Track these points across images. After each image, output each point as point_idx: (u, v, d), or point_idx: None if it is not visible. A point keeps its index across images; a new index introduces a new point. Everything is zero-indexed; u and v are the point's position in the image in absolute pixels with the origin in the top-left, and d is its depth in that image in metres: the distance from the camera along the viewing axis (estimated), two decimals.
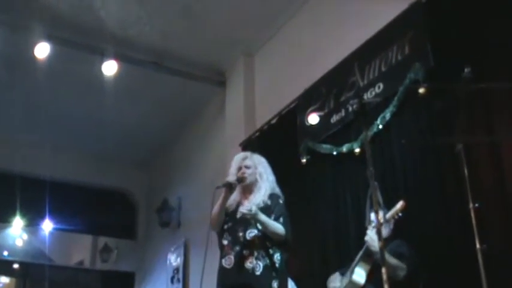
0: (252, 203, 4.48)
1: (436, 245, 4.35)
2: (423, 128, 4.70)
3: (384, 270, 3.07)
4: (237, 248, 4.39)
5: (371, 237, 4.16)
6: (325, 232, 5.67)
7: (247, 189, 4.68)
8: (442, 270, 4.22)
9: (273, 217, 4.46)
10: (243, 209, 4.37)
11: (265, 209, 4.48)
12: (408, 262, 4.10)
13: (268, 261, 4.34)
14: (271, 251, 4.39)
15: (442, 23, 4.64)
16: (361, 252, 4.35)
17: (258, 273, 4.28)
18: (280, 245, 4.45)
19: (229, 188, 4.59)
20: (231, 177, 4.65)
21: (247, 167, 4.69)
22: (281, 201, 4.63)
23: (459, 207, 4.01)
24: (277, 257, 4.41)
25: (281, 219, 4.48)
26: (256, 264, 4.30)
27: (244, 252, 4.36)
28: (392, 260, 4.01)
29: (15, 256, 11.07)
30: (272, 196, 4.61)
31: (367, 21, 5.65)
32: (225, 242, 4.49)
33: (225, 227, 4.57)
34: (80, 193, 10.52)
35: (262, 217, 4.33)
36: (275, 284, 4.30)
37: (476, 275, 3.24)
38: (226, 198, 4.59)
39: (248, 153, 4.94)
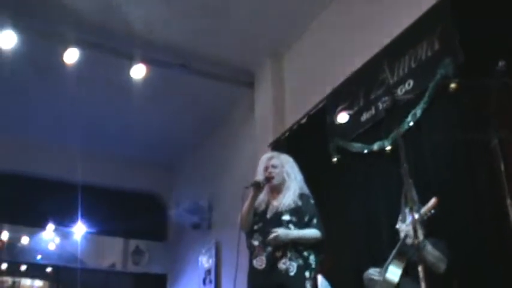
0: (282, 204, 4.49)
1: (470, 243, 4.29)
2: (455, 124, 4.64)
3: (420, 268, 3.03)
4: (269, 248, 4.38)
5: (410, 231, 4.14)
6: (357, 230, 5.64)
7: (276, 188, 4.67)
8: (476, 267, 4.17)
9: (306, 218, 4.47)
10: (272, 236, 4.33)
11: (296, 210, 4.48)
12: (448, 256, 4.06)
13: (301, 261, 4.34)
14: (305, 253, 4.38)
15: (471, 16, 4.58)
16: (394, 251, 4.31)
17: (291, 273, 4.27)
18: (315, 246, 4.45)
19: (257, 187, 4.60)
20: (259, 177, 4.65)
21: (274, 167, 4.69)
22: (312, 201, 4.63)
23: (493, 203, 3.96)
24: (312, 258, 4.40)
25: (314, 221, 4.49)
26: (289, 265, 4.29)
27: (277, 253, 4.35)
28: (434, 252, 3.98)
29: (47, 260, 11.14)
30: (302, 196, 4.60)
31: (395, 18, 5.61)
32: (256, 243, 4.48)
33: (255, 227, 4.56)
34: (110, 196, 10.61)
35: (293, 234, 4.36)
36: (308, 285, 4.30)
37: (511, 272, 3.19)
38: (254, 198, 4.59)
39: (275, 153, 4.95)
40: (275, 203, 4.59)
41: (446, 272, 4.04)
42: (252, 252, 4.50)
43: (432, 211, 4.12)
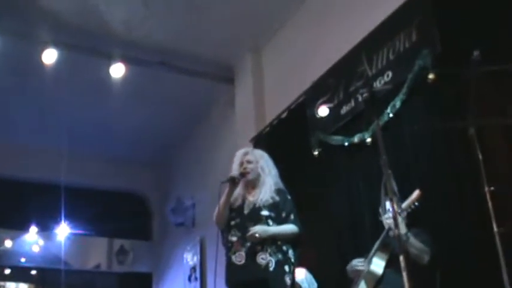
0: (260, 199, 4.51)
1: (452, 231, 4.32)
2: (434, 114, 4.67)
3: (401, 258, 3.05)
4: (248, 244, 4.40)
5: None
6: (340, 223, 5.66)
7: (251, 183, 4.69)
8: (458, 257, 4.20)
9: (284, 214, 4.50)
10: (251, 233, 4.35)
11: (274, 206, 4.52)
12: (431, 247, 4.09)
13: (281, 256, 4.37)
14: (284, 248, 4.41)
15: (448, 7, 4.60)
16: (377, 243, 4.33)
17: (271, 268, 4.30)
18: (293, 241, 4.48)
19: (233, 182, 4.61)
20: (234, 172, 4.67)
21: (249, 162, 4.71)
22: (289, 197, 4.66)
23: (473, 192, 3.98)
24: (291, 252, 4.44)
25: (291, 217, 4.53)
26: (269, 260, 4.31)
27: (256, 248, 4.37)
28: (417, 244, 4.01)
29: (32, 262, 11.14)
30: (279, 192, 4.64)
31: (372, 10, 5.63)
32: (234, 239, 4.48)
33: (232, 223, 4.57)
34: (94, 197, 10.58)
35: (271, 230, 4.38)
36: (288, 279, 4.33)
37: (494, 259, 3.22)
38: (230, 193, 4.61)
39: (249, 149, 4.99)
40: (251, 198, 4.61)
41: (429, 263, 4.08)
42: (230, 248, 4.50)
43: (416, 203, 4.15)
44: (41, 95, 8.39)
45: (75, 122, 9.25)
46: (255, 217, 4.46)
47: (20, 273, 11.16)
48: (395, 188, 3.72)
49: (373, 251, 4.36)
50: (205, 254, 9.03)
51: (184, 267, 9.59)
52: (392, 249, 4.17)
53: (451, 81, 4.28)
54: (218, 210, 4.59)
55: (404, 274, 2.98)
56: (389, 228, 4.19)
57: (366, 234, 5.15)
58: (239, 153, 4.85)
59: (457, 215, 4.31)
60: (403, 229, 3.97)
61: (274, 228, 4.41)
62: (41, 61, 7.10)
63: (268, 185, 4.61)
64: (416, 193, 4.15)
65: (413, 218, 4.28)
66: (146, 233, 11.41)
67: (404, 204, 4.13)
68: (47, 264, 11.25)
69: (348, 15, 6.14)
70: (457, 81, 4.11)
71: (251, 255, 4.36)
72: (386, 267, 4.22)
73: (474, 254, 4.08)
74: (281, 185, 4.73)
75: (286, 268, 4.35)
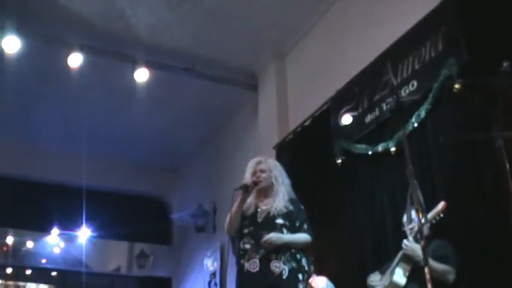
0: (274, 208, 4.55)
1: (477, 244, 4.27)
2: (460, 124, 4.62)
3: (426, 270, 3.02)
4: (262, 251, 4.41)
5: (410, 246, 4.14)
6: (363, 232, 5.62)
7: (263, 192, 4.73)
8: (482, 269, 4.15)
9: (298, 223, 4.54)
10: (265, 239, 4.38)
11: (288, 215, 4.56)
12: (454, 264, 4.04)
13: (294, 264, 4.40)
14: (298, 256, 4.44)
15: (475, 16, 4.57)
16: (400, 253, 4.30)
17: (285, 276, 4.32)
18: (306, 249, 4.52)
19: (246, 190, 4.64)
20: (248, 181, 4.69)
21: (262, 171, 4.75)
22: (302, 207, 4.70)
23: (500, 204, 3.94)
24: (304, 261, 4.46)
25: (305, 226, 4.57)
26: (283, 268, 4.33)
27: (270, 255, 4.38)
28: (438, 266, 3.95)
29: (52, 264, 11.17)
30: (293, 201, 4.68)
31: (398, 19, 5.60)
32: (248, 246, 4.50)
33: (246, 230, 4.59)
34: (115, 200, 10.64)
35: (285, 238, 4.42)
36: (301, 287, 4.34)
37: None
38: (243, 201, 4.64)
39: (262, 158, 4.99)
40: (263, 206, 4.65)
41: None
42: (243, 256, 4.51)
43: (441, 215, 4.12)
44: (65, 97, 8.45)
45: (98, 126, 9.31)
46: (269, 225, 4.49)
47: (40, 274, 11.21)
48: (422, 199, 3.70)
49: (395, 261, 4.33)
50: (226, 260, 9.01)
51: (204, 273, 9.58)
52: (415, 261, 4.13)
53: (477, 91, 4.24)
54: (230, 217, 4.61)
55: (429, 286, 2.95)
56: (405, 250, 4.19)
57: (388, 244, 5.11)
58: (252, 162, 4.89)
59: (482, 227, 4.25)
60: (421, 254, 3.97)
61: (288, 236, 4.45)
62: (67, 65, 7.14)
63: (282, 194, 4.66)
64: (441, 204, 4.12)
65: (437, 230, 4.25)
66: (166, 237, 11.44)
67: (429, 215, 4.10)
68: (67, 266, 11.28)
69: (374, 23, 6.11)
70: (483, 91, 4.07)
71: (265, 262, 4.38)
72: (409, 278, 4.18)
73: (499, 268, 4.03)
74: (293, 195, 4.77)
75: (300, 276, 4.38)
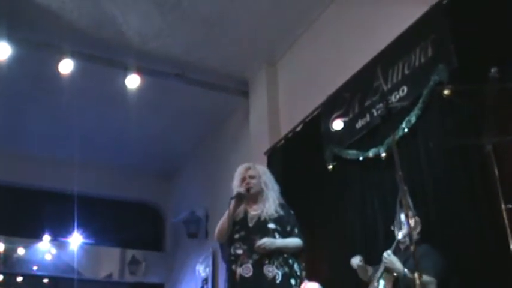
0: (265, 213, 4.54)
1: (467, 248, 4.28)
2: (449, 130, 4.64)
3: (416, 275, 3.03)
4: (255, 256, 4.40)
5: (389, 259, 4.16)
6: (354, 237, 5.63)
7: (252, 198, 4.70)
8: (473, 274, 4.16)
9: (288, 228, 4.54)
10: (259, 244, 4.37)
11: (279, 219, 4.55)
12: (436, 272, 4.02)
13: (287, 269, 4.39)
14: (290, 261, 4.43)
15: (464, 22, 4.59)
16: (383, 265, 4.32)
17: (278, 281, 4.31)
18: (297, 254, 4.51)
19: (240, 199, 4.63)
20: (241, 189, 4.67)
21: (251, 177, 4.74)
22: (292, 212, 4.70)
23: (489, 209, 3.96)
24: (296, 266, 4.45)
25: (296, 231, 4.57)
26: (276, 273, 4.32)
27: (263, 260, 4.37)
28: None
29: (44, 271, 11.11)
30: (283, 206, 4.68)
31: (388, 25, 5.62)
32: (240, 251, 4.48)
33: (237, 236, 4.56)
34: (107, 207, 10.63)
35: (278, 243, 4.41)
36: None
37: (510, 278, 3.19)
38: (235, 209, 4.62)
39: (251, 164, 4.98)
40: (253, 212, 4.63)
41: (442, 280, 4.04)
42: (235, 261, 4.49)
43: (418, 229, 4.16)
44: (56, 104, 8.43)
45: (90, 132, 9.30)
46: (261, 230, 4.47)
47: (32, 282, 11.16)
48: (411, 204, 3.72)
49: (379, 273, 4.35)
50: (218, 266, 9.01)
51: (196, 279, 9.57)
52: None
53: (467, 96, 4.26)
54: (222, 225, 4.59)
55: None
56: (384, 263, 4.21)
57: (379, 249, 5.11)
58: (241, 168, 4.87)
59: (473, 232, 4.26)
60: (400, 267, 4.00)
61: (281, 241, 4.44)
62: (58, 71, 7.13)
63: (272, 199, 4.65)
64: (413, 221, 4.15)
65: (427, 235, 4.26)
66: (159, 243, 11.43)
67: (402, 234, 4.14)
68: (59, 273, 11.23)
69: (364, 29, 6.14)
70: (473, 97, 4.09)
71: (258, 267, 4.36)
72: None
73: (490, 272, 4.04)
74: (282, 200, 4.77)
75: (292, 281, 4.37)
